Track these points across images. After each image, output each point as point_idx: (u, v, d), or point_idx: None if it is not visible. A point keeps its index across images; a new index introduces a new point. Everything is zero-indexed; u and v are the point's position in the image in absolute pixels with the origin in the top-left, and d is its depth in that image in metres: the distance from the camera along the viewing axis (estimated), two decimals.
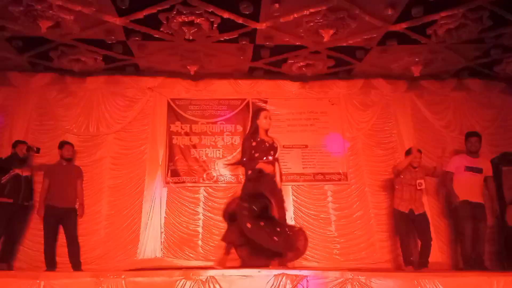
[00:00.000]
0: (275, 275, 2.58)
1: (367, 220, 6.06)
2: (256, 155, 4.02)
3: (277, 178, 4.04)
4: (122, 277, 2.74)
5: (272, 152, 4.08)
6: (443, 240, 5.81)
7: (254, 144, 4.07)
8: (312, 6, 4.61)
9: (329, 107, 6.51)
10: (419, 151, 5.39)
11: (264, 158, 4.01)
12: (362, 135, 6.42)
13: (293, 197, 6.14)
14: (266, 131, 4.18)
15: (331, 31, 4.93)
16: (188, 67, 5.92)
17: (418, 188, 5.21)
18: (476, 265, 4.96)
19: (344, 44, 5.41)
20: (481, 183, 5.27)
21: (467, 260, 5.06)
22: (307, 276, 2.53)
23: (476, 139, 5.33)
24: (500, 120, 6.43)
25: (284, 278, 2.53)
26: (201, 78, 6.38)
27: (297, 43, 5.37)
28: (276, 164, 4.09)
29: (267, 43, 5.27)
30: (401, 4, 4.57)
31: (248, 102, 6.43)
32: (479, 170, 5.23)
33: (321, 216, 6.06)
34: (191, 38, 5.03)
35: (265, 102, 6.45)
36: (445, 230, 5.87)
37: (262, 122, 4.15)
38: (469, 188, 5.17)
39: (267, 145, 4.09)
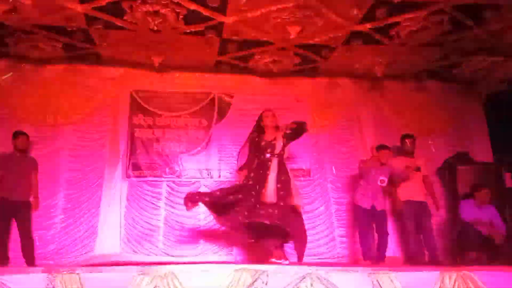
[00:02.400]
0: (235, 270, 2.56)
1: (328, 215, 6.17)
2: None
3: None
4: (77, 272, 2.63)
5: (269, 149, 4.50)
6: (400, 235, 5.99)
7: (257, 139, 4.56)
8: (279, 3, 4.61)
9: (295, 104, 6.55)
10: (389, 148, 5.52)
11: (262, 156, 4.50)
12: (326, 132, 6.51)
13: None
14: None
15: (298, 28, 4.95)
16: (153, 58, 5.78)
17: (380, 184, 5.34)
18: (430, 260, 5.19)
19: (311, 42, 5.46)
20: (421, 181, 5.48)
21: (411, 256, 5.31)
22: (267, 270, 2.54)
23: (411, 141, 5.59)
24: (457, 121, 6.69)
25: (244, 272, 2.53)
26: (166, 70, 6.24)
27: (264, 39, 5.36)
28: None
29: (234, 38, 5.23)
30: (366, 4, 4.66)
31: (214, 97, 6.36)
32: (417, 169, 5.45)
33: None
34: (155, 28, 4.91)
35: (231, 97, 6.41)
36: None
37: (265, 120, 4.61)
38: (410, 187, 5.38)
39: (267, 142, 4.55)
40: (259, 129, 4.66)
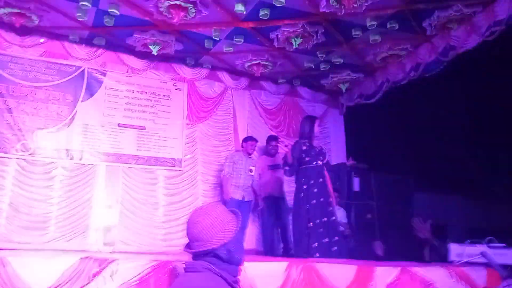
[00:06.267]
0: (81, 258, 2.36)
1: (195, 207, 6.14)
2: (307, 159, 4.54)
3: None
4: None
5: (321, 157, 4.63)
6: (260, 229, 6.28)
7: (304, 148, 4.56)
8: None
9: (173, 91, 6.40)
10: (255, 140, 5.85)
11: (314, 163, 4.56)
12: (201, 124, 6.50)
13: (123, 179, 5.84)
14: (315, 138, 4.78)
15: (182, 14, 4.82)
16: (13, 18, 5.04)
17: (250, 174, 5.61)
18: (284, 252, 5.57)
19: (194, 30, 5.38)
20: (282, 178, 5.87)
21: (268, 249, 5.68)
22: (117, 259, 2.39)
23: (275, 143, 6.01)
24: (320, 128, 7.28)
25: (91, 261, 2.34)
26: (28, 34, 5.49)
27: (145, 18, 5.09)
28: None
29: (112, 10, 4.83)
30: (251, 3, 4.75)
31: (83, 71, 5.82)
32: (279, 166, 5.85)
33: (150, 200, 5.91)
34: None
35: (104, 74, 5.95)
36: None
37: (316, 129, 4.76)
38: (273, 184, 5.79)
39: (317, 150, 4.64)
40: None
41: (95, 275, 2.31)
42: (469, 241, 4.01)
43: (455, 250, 4.19)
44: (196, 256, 1.86)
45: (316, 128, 4.79)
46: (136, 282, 2.37)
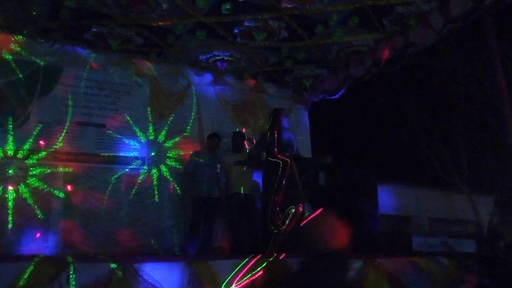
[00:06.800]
0: (37, 263, 2.23)
1: (160, 205, 6.00)
2: (275, 150, 4.86)
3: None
4: None
5: (289, 149, 4.89)
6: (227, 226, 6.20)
7: (271, 140, 4.85)
8: None
9: (134, 87, 6.21)
10: (219, 136, 5.83)
11: (283, 154, 4.84)
12: (165, 121, 6.34)
13: (83, 179, 5.61)
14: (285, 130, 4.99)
15: (142, 7, 4.68)
16: None
17: (215, 171, 5.58)
18: (252, 248, 5.53)
19: (155, 24, 5.23)
20: (250, 175, 5.86)
21: (234, 245, 5.61)
22: (74, 263, 2.28)
23: (240, 139, 6.01)
24: (288, 118, 7.24)
25: (47, 265, 2.22)
26: None
27: (103, 11, 4.89)
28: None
29: (68, 3, 4.61)
30: None
31: (38, 67, 5.51)
32: (244, 163, 5.82)
33: (112, 201, 5.71)
34: None
35: (61, 70, 5.68)
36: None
37: (284, 120, 4.97)
38: (240, 181, 5.73)
39: (284, 142, 4.92)
40: None
41: (51, 279, 2.19)
42: (431, 231, 4.13)
43: (417, 240, 4.31)
44: None
45: (283, 120, 4.87)
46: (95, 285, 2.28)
